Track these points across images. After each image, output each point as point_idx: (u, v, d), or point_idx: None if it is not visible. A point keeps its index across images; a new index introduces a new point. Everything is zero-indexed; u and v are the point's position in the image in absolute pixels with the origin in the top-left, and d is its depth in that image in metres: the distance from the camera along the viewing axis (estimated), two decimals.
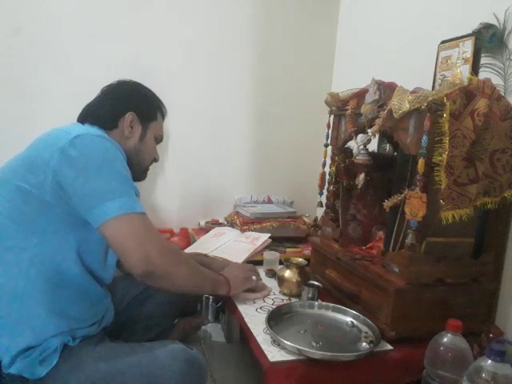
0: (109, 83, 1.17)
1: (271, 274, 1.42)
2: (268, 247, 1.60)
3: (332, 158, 1.38)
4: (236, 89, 2.00)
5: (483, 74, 1.10)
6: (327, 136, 1.39)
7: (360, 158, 1.23)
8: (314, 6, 2.04)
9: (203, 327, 1.62)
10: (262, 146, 2.08)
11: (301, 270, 1.28)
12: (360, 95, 1.20)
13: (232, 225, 1.87)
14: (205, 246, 1.64)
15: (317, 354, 0.92)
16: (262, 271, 1.43)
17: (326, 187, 1.42)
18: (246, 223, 1.79)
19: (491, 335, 0.98)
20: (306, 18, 2.03)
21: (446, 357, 0.86)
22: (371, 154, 1.24)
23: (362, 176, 1.22)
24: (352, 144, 1.32)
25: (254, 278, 1.26)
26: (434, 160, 0.93)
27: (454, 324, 0.87)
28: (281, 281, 1.29)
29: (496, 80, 1.10)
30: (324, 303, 1.16)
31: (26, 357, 0.90)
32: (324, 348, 0.96)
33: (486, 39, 1.12)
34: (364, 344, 0.98)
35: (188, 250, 1.62)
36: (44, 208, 0.93)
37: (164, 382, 0.91)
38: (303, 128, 2.09)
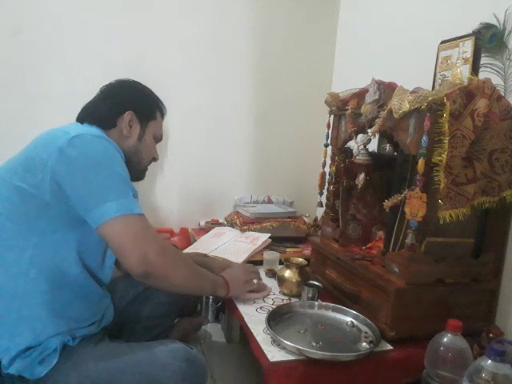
0: (108, 82, 1.17)
1: (271, 273, 1.42)
2: (268, 247, 1.60)
3: (332, 158, 1.38)
4: (236, 89, 2.00)
5: (483, 74, 1.10)
6: (327, 136, 1.39)
7: (360, 158, 1.23)
8: (314, 6, 2.04)
9: (203, 327, 1.62)
10: (262, 146, 2.08)
11: (301, 269, 1.28)
12: (360, 95, 1.20)
13: (232, 225, 1.87)
14: (205, 245, 1.64)
15: (317, 354, 0.91)
16: (262, 271, 1.43)
17: (326, 187, 1.42)
18: (245, 223, 1.79)
19: (491, 335, 0.98)
20: (306, 19, 2.03)
21: (446, 357, 0.86)
22: (371, 154, 1.24)
23: (362, 176, 1.22)
24: (352, 144, 1.32)
25: (254, 281, 1.26)
26: (433, 160, 0.93)
27: (454, 324, 0.87)
28: (281, 281, 1.29)
29: (496, 80, 1.10)
30: (324, 303, 1.16)
31: (25, 357, 0.90)
32: (324, 348, 0.96)
33: (486, 39, 1.12)
34: (364, 344, 0.98)
35: (188, 250, 1.62)
36: (43, 208, 0.93)
37: (164, 382, 0.91)
38: (303, 128, 2.09)
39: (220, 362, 1.46)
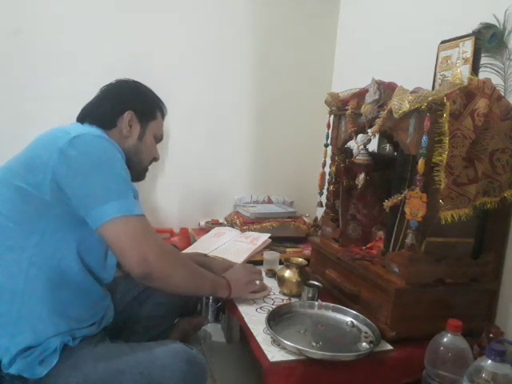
0: (108, 82, 1.17)
1: (271, 273, 1.42)
2: (268, 247, 1.60)
3: (332, 158, 1.38)
4: (236, 88, 2.00)
5: (483, 74, 1.10)
6: (327, 136, 1.39)
7: (360, 158, 1.23)
8: (314, 6, 2.04)
9: (203, 327, 1.62)
10: (262, 146, 2.08)
11: (301, 269, 1.28)
12: (360, 95, 1.20)
13: (232, 225, 1.87)
14: (205, 245, 1.64)
15: (317, 354, 0.91)
16: (262, 271, 1.43)
17: (326, 187, 1.42)
18: (246, 223, 1.79)
19: (491, 335, 0.98)
20: (306, 19, 2.03)
21: (446, 357, 0.86)
22: (371, 154, 1.24)
23: (362, 176, 1.22)
24: (352, 144, 1.32)
25: (257, 282, 1.25)
26: (433, 160, 0.93)
27: (454, 324, 0.87)
28: (281, 281, 1.29)
29: (496, 80, 1.10)
30: (324, 303, 1.16)
31: (25, 357, 0.90)
32: (324, 348, 0.96)
33: (486, 39, 1.12)
34: (364, 344, 0.98)
35: (188, 250, 1.62)
36: (43, 208, 0.93)
37: (164, 382, 0.91)
38: (303, 128, 2.09)
39: (220, 362, 1.46)
